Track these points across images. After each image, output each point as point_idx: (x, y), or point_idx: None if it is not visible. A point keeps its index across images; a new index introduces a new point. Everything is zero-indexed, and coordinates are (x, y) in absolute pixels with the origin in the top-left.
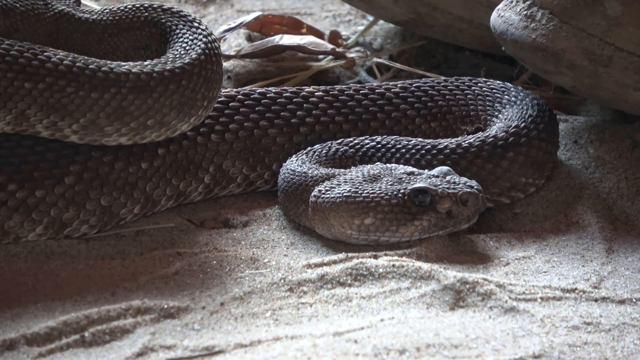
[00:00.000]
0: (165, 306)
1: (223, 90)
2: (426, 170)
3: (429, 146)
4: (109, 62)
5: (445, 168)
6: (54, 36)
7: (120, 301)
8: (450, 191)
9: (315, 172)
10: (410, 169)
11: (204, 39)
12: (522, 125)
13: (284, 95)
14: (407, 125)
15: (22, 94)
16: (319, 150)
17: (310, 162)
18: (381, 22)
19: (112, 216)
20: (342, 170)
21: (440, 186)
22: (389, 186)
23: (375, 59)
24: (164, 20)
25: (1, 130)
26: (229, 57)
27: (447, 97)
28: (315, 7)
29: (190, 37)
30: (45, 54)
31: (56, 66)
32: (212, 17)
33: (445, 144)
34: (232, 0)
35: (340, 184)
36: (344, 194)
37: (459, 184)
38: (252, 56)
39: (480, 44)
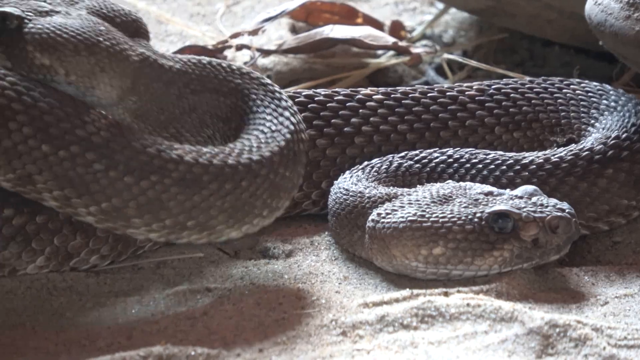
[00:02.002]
0: (192, 353)
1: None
2: (508, 190)
3: (511, 161)
4: (159, 140)
5: (530, 187)
6: (134, 83)
7: (138, 347)
8: (536, 215)
9: (373, 192)
10: (488, 188)
11: (287, 135)
12: (624, 136)
13: (336, 98)
14: (485, 136)
15: (35, 156)
16: (378, 165)
17: (367, 179)
18: (453, 10)
19: (127, 244)
20: (406, 189)
21: (524, 209)
22: (462, 209)
23: (446, 55)
24: (254, 96)
25: None
26: (268, 53)
27: (533, 101)
28: None
29: (273, 128)
30: (81, 116)
31: (89, 134)
32: (248, 4)
33: (531, 158)
34: None
35: (403, 206)
36: (409, 219)
37: (547, 207)
38: (296, 51)
39: (573, 37)
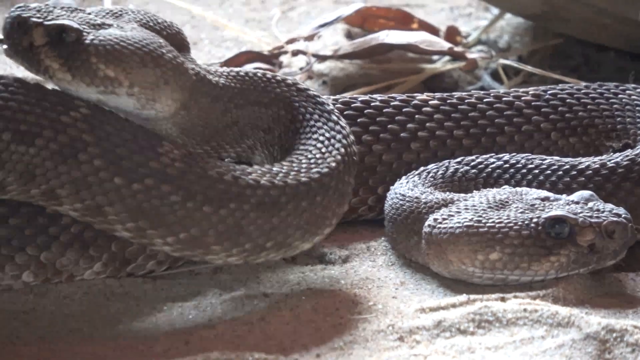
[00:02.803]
0: (250, 358)
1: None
2: (564, 196)
3: (567, 166)
4: (232, 166)
5: (587, 193)
6: (187, 98)
7: (195, 352)
8: (593, 221)
9: (429, 198)
10: (544, 193)
11: (344, 140)
12: None
13: (392, 104)
14: (541, 141)
15: (106, 188)
16: (435, 170)
17: (423, 185)
18: (508, 16)
19: None
20: (463, 195)
21: (581, 214)
22: (519, 214)
23: (502, 61)
24: (296, 104)
25: (65, 213)
26: (324, 58)
27: (588, 107)
28: None
29: (327, 136)
30: (155, 148)
31: (164, 167)
32: (303, 10)
33: (587, 163)
34: None
35: (460, 212)
36: (465, 224)
37: (603, 212)
38: (352, 56)
39: (627, 42)
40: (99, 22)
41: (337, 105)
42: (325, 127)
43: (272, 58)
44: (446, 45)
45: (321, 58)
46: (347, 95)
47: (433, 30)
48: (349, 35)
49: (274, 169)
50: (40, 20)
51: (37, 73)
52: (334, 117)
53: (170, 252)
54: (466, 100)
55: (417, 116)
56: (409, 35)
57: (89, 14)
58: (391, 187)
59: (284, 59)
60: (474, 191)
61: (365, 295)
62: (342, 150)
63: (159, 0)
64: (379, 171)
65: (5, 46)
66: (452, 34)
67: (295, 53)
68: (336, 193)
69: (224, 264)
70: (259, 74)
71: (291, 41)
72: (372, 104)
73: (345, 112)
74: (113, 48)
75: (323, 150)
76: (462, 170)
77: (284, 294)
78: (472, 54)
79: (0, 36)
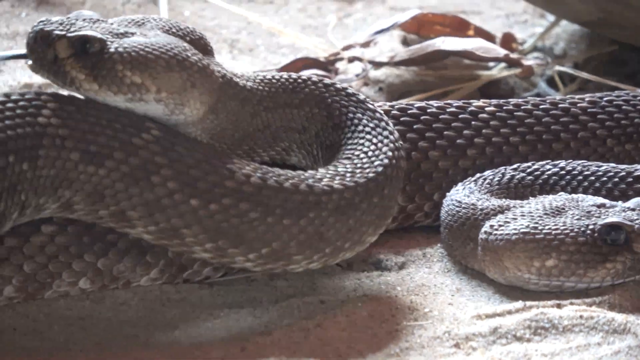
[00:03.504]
0: None
1: (375, 104)
2: (620, 202)
3: (623, 173)
4: (302, 174)
5: None
6: (215, 101)
7: (251, 358)
8: None
9: (485, 204)
10: (600, 200)
11: (395, 132)
12: None
13: (448, 110)
14: (597, 148)
15: (182, 210)
16: (491, 177)
17: (479, 191)
18: (564, 22)
19: None
20: (519, 201)
21: (637, 221)
22: (575, 221)
23: (557, 68)
24: (329, 100)
25: (138, 235)
26: (380, 65)
27: None
28: (484, 4)
29: (372, 126)
30: (228, 166)
31: (240, 184)
32: (359, 16)
33: None
34: None
35: (516, 218)
36: (521, 231)
37: None
38: (408, 63)
39: None
40: (122, 31)
41: (393, 112)
42: (373, 123)
43: (328, 64)
44: (502, 52)
45: (377, 65)
46: (403, 102)
47: (489, 37)
48: (405, 42)
49: (339, 169)
50: (63, 32)
51: (63, 86)
52: (378, 115)
53: (251, 268)
54: (522, 107)
55: (473, 123)
56: (465, 42)
57: (112, 23)
58: (447, 194)
59: (340, 65)
60: (530, 198)
61: (421, 301)
62: (392, 144)
63: (215, 7)
64: (435, 178)
65: (30, 61)
66: (508, 40)
67: (351, 60)
68: (398, 182)
69: (304, 270)
70: (285, 76)
71: (347, 48)
72: (429, 110)
73: (401, 119)
74: (138, 54)
75: (379, 144)
76: (518, 176)
77: (340, 300)
78: (528, 61)
79: (22, 51)
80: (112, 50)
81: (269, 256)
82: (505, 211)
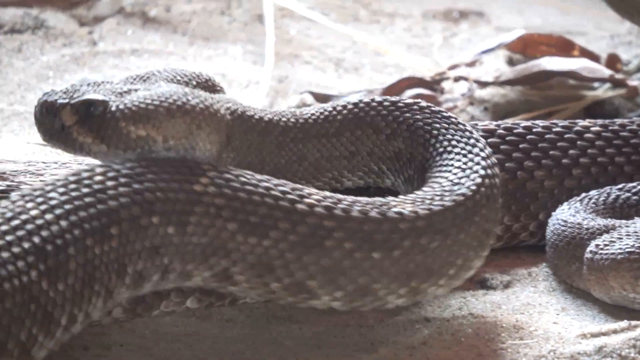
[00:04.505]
0: None
1: (481, 124)
2: None
3: None
4: (385, 202)
5: None
6: (229, 137)
7: None
8: None
9: (591, 224)
10: None
11: (487, 148)
12: None
13: (553, 130)
14: None
15: (366, 266)
16: (596, 197)
17: (585, 211)
18: None
19: None
20: (624, 221)
21: None
22: None
23: None
24: (384, 122)
25: (322, 307)
26: (486, 84)
27: None
28: (589, 25)
29: (462, 144)
30: (394, 210)
31: (414, 222)
32: (465, 36)
33: None
34: (488, 15)
35: (621, 238)
36: (627, 250)
37: None
38: (513, 83)
39: None
40: (125, 89)
41: (499, 131)
42: (459, 139)
43: (433, 84)
44: (607, 72)
45: (483, 84)
46: (509, 121)
47: (594, 58)
48: (511, 62)
49: (428, 194)
50: (67, 100)
51: (74, 153)
52: (468, 132)
53: (339, 307)
54: (627, 127)
55: (578, 142)
56: (570, 62)
57: (117, 83)
58: (553, 213)
59: (445, 84)
60: (635, 218)
61: (526, 320)
62: (485, 161)
63: (321, 26)
64: (540, 197)
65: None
66: (612, 61)
67: (457, 79)
68: (495, 201)
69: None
70: (326, 107)
71: (453, 67)
72: (534, 130)
73: (507, 138)
74: (138, 108)
75: (469, 163)
76: (623, 197)
77: (445, 318)
78: (633, 82)
79: None
80: (113, 108)
81: (354, 293)
82: (611, 231)
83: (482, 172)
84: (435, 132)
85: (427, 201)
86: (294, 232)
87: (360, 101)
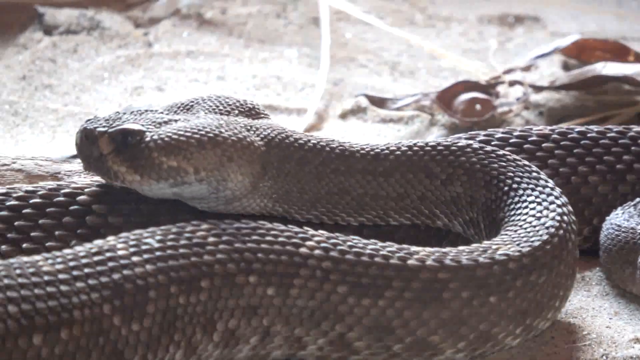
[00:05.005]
0: None
1: (535, 128)
2: None
3: None
4: (486, 246)
5: None
6: (264, 167)
7: None
8: None
9: None
10: None
11: (530, 166)
12: None
13: (608, 135)
14: None
15: (484, 312)
16: None
17: (639, 216)
18: None
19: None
20: None
21: None
22: None
23: None
24: (439, 167)
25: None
26: (541, 89)
27: None
28: None
29: (517, 173)
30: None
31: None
32: (520, 41)
33: None
34: (544, 21)
35: None
36: None
37: None
38: (568, 88)
39: None
40: (165, 119)
41: (553, 136)
42: (517, 172)
43: (489, 88)
44: None
45: (538, 89)
46: (563, 126)
47: None
48: (566, 67)
49: (520, 232)
50: (105, 129)
51: (109, 181)
52: (519, 162)
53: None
54: None
55: (632, 148)
56: (626, 68)
57: (160, 112)
58: (607, 218)
59: (500, 89)
60: None
61: (579, 324)
62: (547, 181)
63: (377, 30)
64: (594, 202)
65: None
66: None
67: (512, 83)
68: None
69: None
70: (380, 145)
71: (508, 71)
72: (589, 135)
73: (561, 143)
74: (170, 139)
75: (541, 195)
76: None
77: None
78: None
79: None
80: (147, 139)
81: (475, 341)
82: None
83: (558, 201)
84: (494, 172)
85: (525, 239)
86: (409, 288)
87: (415, 144)
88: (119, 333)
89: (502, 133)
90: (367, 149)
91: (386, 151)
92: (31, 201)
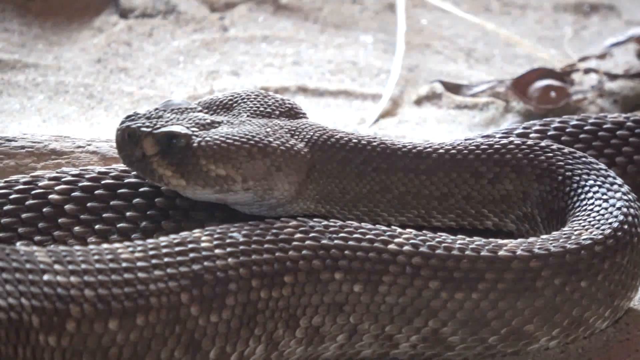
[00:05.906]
0: None
1: (610, 116)
2: None
3: None
4: (567, 232)
5: None
6: (309, 173)
7: None
8: None
9: None
10: None
11: (575, 152)
12: None
13: None
14: None
15: (576, 297)
16: None
17: None
18: None
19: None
20: None
21: None
22: None
23: None
24: (485, 167)
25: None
26: (615, 77)
27: None
28: None
29: (568, 161)
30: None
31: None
32: (595, 29)
33: None
34: (619, 9)
35: None
36: None
37: None
38: None
39: None
40: (208, 121)
41: (627, 124)
42: (567, 161)
43: (563, 76)
44: None
45: (612, 77)
46: (638, 114)
47: None
48: None
49: (594, 217)
50: (150, 129)
51: (153, 181)
52: (566, 150)
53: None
54: None
55: None
56: None
57: (200, 110)
58: None
59: (575, 77)
60: None
61: None
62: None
63: (453, 16)
64: None
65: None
66: None
67: (586, 71)
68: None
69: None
70: (417, 144)
71: (583, 59)
72: None
73: (636, 130)
74: (220, 147)
75: (605, 180)
76: None
77: None
78: None
79: None
80: (195, 145)
81: (507, 337)
82: None
83: (617, 181)
84: (544, 164)
85: (602, 222)
86: (502, 279)
87: (459, 143)
88: (196, 323)
89: (577, 120)
90: (409, 147)
91: (429, 149)
92: (103, 182)
